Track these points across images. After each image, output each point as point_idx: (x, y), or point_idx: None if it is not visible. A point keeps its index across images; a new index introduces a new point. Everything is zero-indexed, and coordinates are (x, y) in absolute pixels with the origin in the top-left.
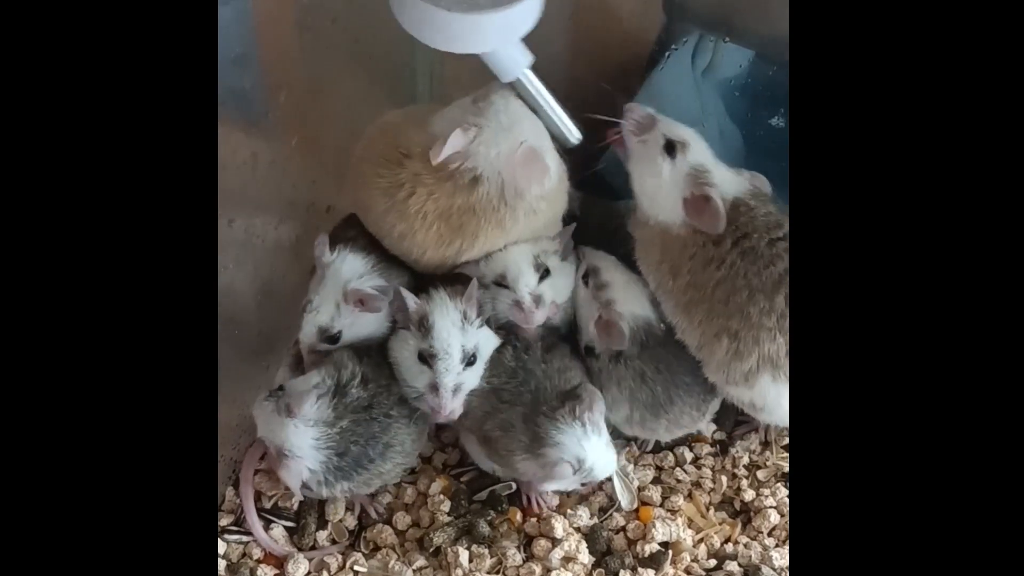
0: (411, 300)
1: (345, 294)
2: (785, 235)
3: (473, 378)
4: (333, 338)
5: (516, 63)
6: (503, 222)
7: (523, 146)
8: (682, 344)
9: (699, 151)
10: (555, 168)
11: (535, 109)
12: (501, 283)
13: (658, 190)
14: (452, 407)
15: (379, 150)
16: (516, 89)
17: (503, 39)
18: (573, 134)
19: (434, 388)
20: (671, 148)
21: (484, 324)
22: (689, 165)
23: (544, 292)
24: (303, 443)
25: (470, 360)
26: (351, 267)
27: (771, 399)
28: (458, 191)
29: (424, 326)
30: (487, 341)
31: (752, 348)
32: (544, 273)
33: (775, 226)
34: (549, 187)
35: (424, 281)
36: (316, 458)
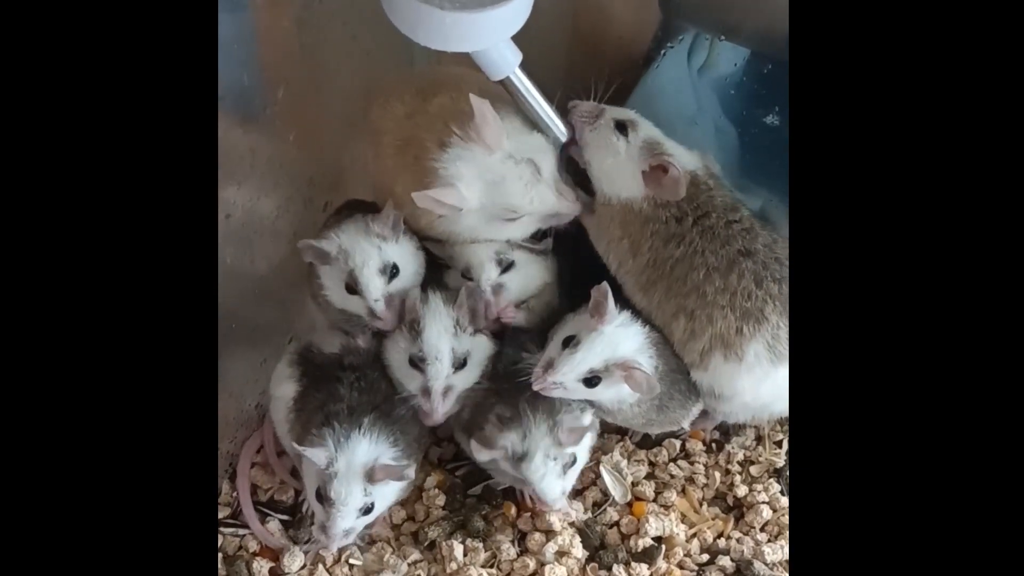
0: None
1: (377, 234)
2: (741, 218)
3: (464, 381)
4: (394, 270)
5: (506, 62)
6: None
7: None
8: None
9: (648, 128)
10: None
11: (524, 108)
12: (466, 275)
13: (617, 168)
14: (443, 410)
15: (416, 81)
16: (506, 87)
17: (494, 38)
18: (562, 132)
19: (425, 392)
20: (622, 127)
21: (479, 331)
22: (642, 140)
23: (505, 282)
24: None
25: (461, 364)
26: (357, 225)
27: (726, 382)
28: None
29: (415, 330)
30: (481, 347)
31: (706, 327)
32: (508, 266)
33: (731, 208)
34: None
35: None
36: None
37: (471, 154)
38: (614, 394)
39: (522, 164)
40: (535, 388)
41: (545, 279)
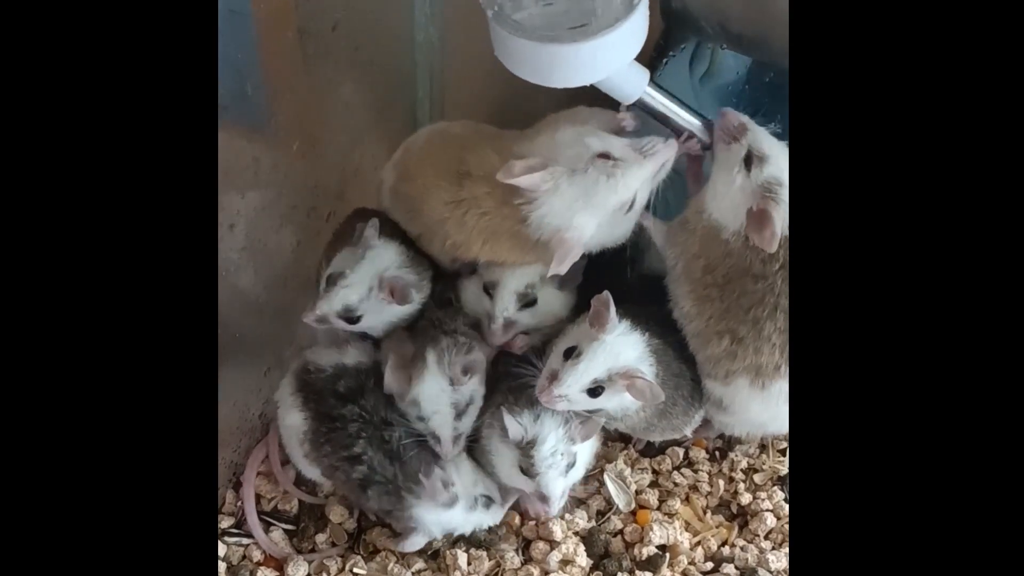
0: (393, 380)
1: (380, 280)
2: None
3: (469, 424)
4: (353, 319)
5: (635, 84)
6: (541, 257)
7: (570, 232)
8: (685, 359)
9: (778, 165)
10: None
11: (664, 122)
12: (488, 291)
13: (727, 195)
14: (455, 453)
15: (442, 159)
16: (641, 106)
17: (624, 57)
18: (704, 139)
19: (435, 437)
20: (749, 160)
21: (473, 377)
22: (763, 178)
23: (520, 319)
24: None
25: (462, 411)
26: (390, 256)
27: (740, 402)
28: (511, 217)
29: (414, 403)
30: (476, 389)
31: (748, 354)
32: (529, 302)
33: None
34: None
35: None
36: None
37: (553, 194)
38: (617, 403)
39: (592, 165)
40: (541, 401)
41: (560, 315)
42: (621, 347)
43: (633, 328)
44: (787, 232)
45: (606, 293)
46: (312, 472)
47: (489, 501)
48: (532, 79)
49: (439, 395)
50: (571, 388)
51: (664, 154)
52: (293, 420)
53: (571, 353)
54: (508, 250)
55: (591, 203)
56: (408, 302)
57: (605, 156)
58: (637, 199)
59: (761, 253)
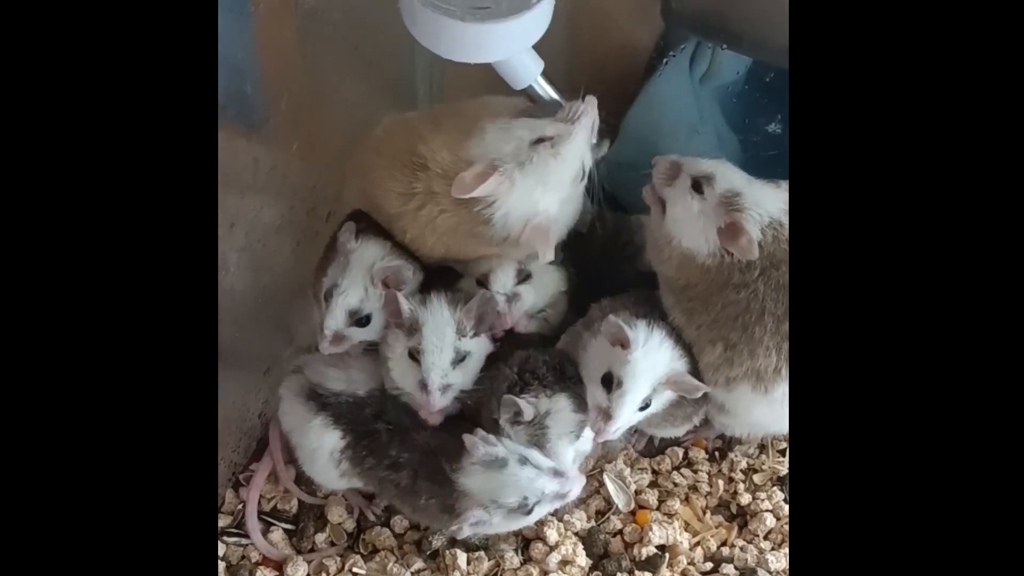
0: (405, 305)
1: (372, 275)
2: None
3: (462, 378)
4: (363, 320)
5: (528, 71)
6: (505, 252)
7: (539, 218)
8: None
9: (726, 177)
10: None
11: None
12: (482, 283)
13: (692, 224)
14: (439, 405)
15: (395, 151)
16: (528, 95)
17: (515, 47)
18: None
19: (423, 386)
20: (697, 186)
21: (480, 335)
22: (719, 194)
23: (522, 292)
24: None
25: (460, 359)
26: (373, 251)
27: (743, 407)
28: (471, 220)
29: (414, 328)
30: (480, 347)
31: (744, 360)
32: (525, 277)
33: None
34: (546, 255)
35: (427, 284)
36: None
37: (510, 192)
38: (661, 403)
39: (535, 152)
40: (598, 440)
41: (560, 288)
42: (654, 357)
43: (651, 327)
44: (760, 236)
45: (612, 319)
46: (343, 484)
47: (524, 460)
48: (427, 45)
49: (443, 329)
50: (626, 418)
51: (589, 114)
52: (324, 442)
53: (608, 381)
54: (469, 247)
55: (551, 185)
56: (406, 284)
57: (540, 140)
58: (585, 165)
59: (739, 263)
